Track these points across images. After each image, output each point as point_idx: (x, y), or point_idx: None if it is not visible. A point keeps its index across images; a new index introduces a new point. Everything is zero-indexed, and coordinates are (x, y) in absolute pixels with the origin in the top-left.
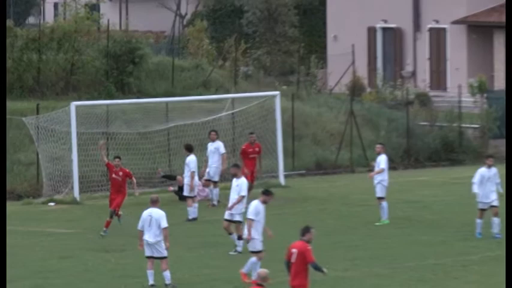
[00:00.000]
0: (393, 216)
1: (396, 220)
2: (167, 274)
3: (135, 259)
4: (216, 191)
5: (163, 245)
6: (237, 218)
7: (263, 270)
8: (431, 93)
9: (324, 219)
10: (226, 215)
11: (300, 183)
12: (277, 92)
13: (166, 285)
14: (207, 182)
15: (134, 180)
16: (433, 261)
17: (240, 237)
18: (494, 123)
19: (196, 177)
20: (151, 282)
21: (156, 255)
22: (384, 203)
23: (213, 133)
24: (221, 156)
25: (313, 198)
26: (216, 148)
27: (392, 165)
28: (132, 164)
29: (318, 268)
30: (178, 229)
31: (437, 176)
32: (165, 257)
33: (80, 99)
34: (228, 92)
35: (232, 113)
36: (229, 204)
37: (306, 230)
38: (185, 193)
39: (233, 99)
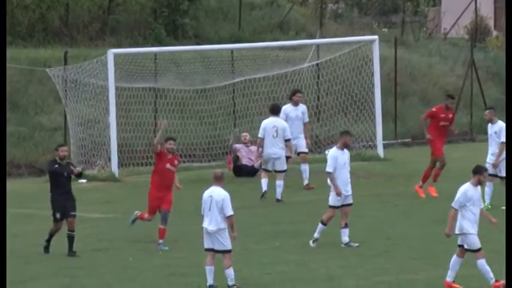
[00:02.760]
0: None
1: None
2: (231, 272)
3: (190, 252)
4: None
5: (227, 234)
6: (351, 199)
7: None
8: None
9: (435, 202)
10: (337, 200)
11: (404, 155)
12: (375, 37)
13: (229, 286)
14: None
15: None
16: None
17: (346, 225)
18: None
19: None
20: (210, 282)
21: (217, 247)
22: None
23: (299, 94)
24: (304, 126)
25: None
26: (303, 113)
27: None
28: (187, 129)
29: None
30: (247, 213)
31: None
32: (228, 251)
33: (120, 46)
34: (311, 36)
35: (317, 64)
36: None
37: None
38: (262, 166)
39: (318, 45)
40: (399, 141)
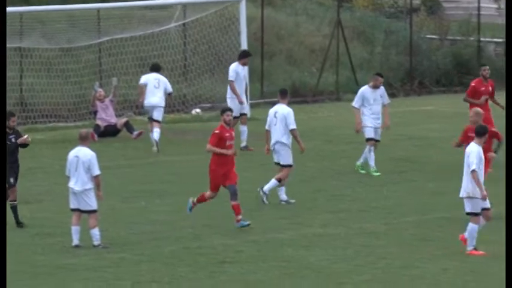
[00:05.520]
0: (391, 157)
1: (394, 162)
2: (96, 232)
3: (55, 212)
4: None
5: (93, 194)
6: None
7: None
8: None
9: (302, 160)
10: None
11: None
12: None
13: (94, 246)
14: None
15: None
16: (441, 214)
17: (279, 180)
18: None
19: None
20: (75, 242)
21: (83, 207)
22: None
23: (249, 58)
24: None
25: None
26: (247, 73)
27: (390, 92)
28: (53, 89)
29: None
30: (113, 173)
31: (448, 104)
32: (94, 211)
33: None
34: None
35: (184, 24)
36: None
37: None
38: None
39: (185, 5)
40: (266, 100)
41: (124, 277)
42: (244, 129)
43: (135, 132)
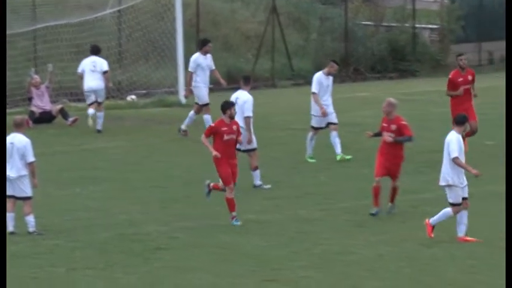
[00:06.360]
0: (326, 143)
1: (330, 149)
2: (31, 219)
3: None
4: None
5: (28, 181)
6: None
7: None
8: None
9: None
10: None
11: None
12: None
13: (29, 233)
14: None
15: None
16: None
17: (256, 168)
18: (458, 24)
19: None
20: (10, 229)
21: (18, 194)
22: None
23: (211, 44)
24: (213, 73)
25: None
26: (211, 61)
27: None
28: None
29: None
30: (47, 160)
31: (383, 91)
32: (29, 198)
33: None
34: None
35: (119, 11)
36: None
37: None
38: (87, 101)
39: None
40: None
41: (59, 264)
42: (193, 117)
43: (70, 119)
